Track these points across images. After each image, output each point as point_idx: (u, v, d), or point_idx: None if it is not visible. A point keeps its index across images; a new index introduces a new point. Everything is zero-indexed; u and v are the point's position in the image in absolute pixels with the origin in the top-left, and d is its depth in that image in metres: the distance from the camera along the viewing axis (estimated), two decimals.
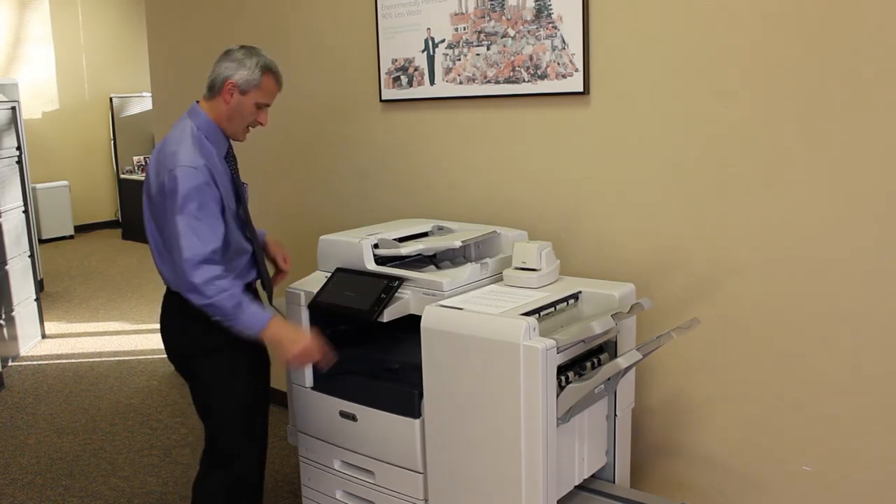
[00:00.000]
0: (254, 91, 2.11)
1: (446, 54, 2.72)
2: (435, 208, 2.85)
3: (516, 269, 2.15)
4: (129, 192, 8.46)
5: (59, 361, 4.64)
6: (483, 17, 2.59)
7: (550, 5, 2.41)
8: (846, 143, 1.98)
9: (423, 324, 1.93)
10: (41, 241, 7.64)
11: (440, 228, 2.51)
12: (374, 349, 2.25)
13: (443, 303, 1.97)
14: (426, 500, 2.06)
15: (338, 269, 2.25)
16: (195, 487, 2.28)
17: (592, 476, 2.10)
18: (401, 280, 2.10)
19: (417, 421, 2.01)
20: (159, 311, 2.26)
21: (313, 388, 2.27)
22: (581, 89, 2.39)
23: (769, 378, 2.19)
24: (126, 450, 3.39)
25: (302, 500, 2.44)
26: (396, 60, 2.88)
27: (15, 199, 4.84)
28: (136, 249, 7.84)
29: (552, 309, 1.99)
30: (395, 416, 2.07)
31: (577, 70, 2.39)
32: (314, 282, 2.26)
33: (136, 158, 8.61)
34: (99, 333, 5.20)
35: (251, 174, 2.67)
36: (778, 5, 2.03)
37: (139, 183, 7.36)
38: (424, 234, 2.47)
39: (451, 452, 1.93)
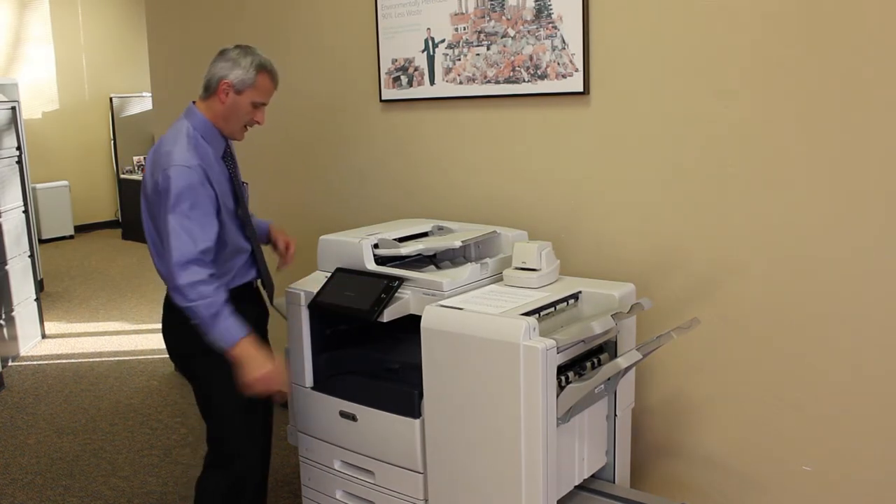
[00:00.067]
0: (249, 90, 2.11)
1: (446, 54, 2.72)
2: (435, 208, 2.85)
3: (516, 269, 2.15)
4: (129, 192, 8.46)
5: (59, 361, 4.64)
6: (483, 17, 2.59)
7: (550, 5, 2.41)
8: (846, 143, 1.98)
9: (423, 324, 1.93)
10: (41, 241, 7.64)
11: (440, 228, 2.51)
12: (374, 349, 2.25)
13: (443, 303, 1.97)
14: (426, 500, 2.06)
15: (338, 269, 2.25)
16: (196, 487, 2.29)
17: (592, 476, 2.10)
18: (401, 280, 2.10)
19: (417, 421, 2.01)
20: (160, 310, 2.26)
21: (313, 388, 2.27)
22: (581, 89, 2.39)
23: (769, 378, 2.19)
24: (126, 450, 3.39)
25: (302, 500, 2.43)
26: (396, 60, 2.88)
27: (15, 199, 4.84)
28: (136, 249, 7.84)
29: (552, 309, 1.99)
30: (395, 416, 2.07)
31: (577, 70, 2.39)
32: (314, 282, 2.26)
33: (136, 158, 8.61)
34: (99, 333, 5.19)
35: (251, 174, 2.66)
36: (778, 5, 2.03)
37: (139, 183, 7.33)
38: (424, 234, 2.47)
39: (451, 452, 1.93)
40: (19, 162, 4.97)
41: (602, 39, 2.34)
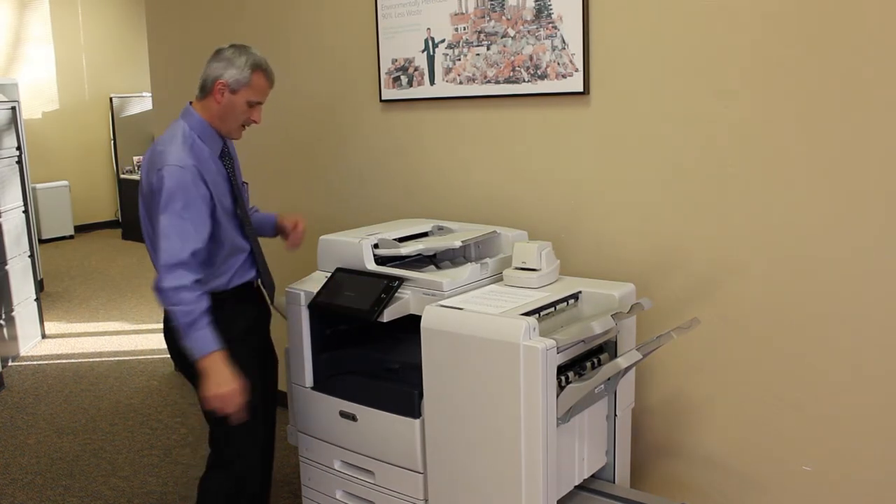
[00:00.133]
0: (244, 90, 2.11)
1: (446, 54, 2.72)
2: (435, 208, 2.85)
3: (516, 269, 2.15)
4: (129, 192, 8.46)
5: (59, 361, 4.64)
6: (483, 17, 2.59)
7: (550, 5, 2.41)
8: (846, 143, 1.98)
9: (423, 324, 1.93)
10: (41, 241, 7.64)
11: (440, 228, 2.51)
12: (374, 349, 2.25)
13: (443, 303, 1.97)
14: (426, 500, 2.06)
15: (338, 269, 2.25)
16: (199, 487, 2.29)
17: (592, 476, 2.10)
18: (401, 280, 2.10)
19: (417, 421, 2.01)
20: (160, 311, 2.26)
21: (313, 388, 2.27)
22: (581, 89, 2.39)
23: (769, 378, 2.19)
24: (126, 450, 3.39)
25: (302, 500, 2.44)
26: (396, 60, 2.88)
27: (15, 199, 4.84)
28: (136, 249, 7.84)
29: (552, 309, 1.99)
30: (395, 416, 2.07)
31: (577, 70, 2.39)
32: (314, 282, 2.26)
33: (135, 158, 8.60)
34: (99, 333, 5.20)
35: (251, 174, 2.67)
36: (778, 5, 2.03)
37: (139, 183, 7.35)
38: (424, 234, 2.47)
39: (451, 452, 1.93)
40: (19, 162, 4.97)
41: (602, 39, 2.34)
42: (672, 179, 2.28)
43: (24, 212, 4.96)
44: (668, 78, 2.24)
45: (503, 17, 2.54)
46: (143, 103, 8.68)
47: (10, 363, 4.54)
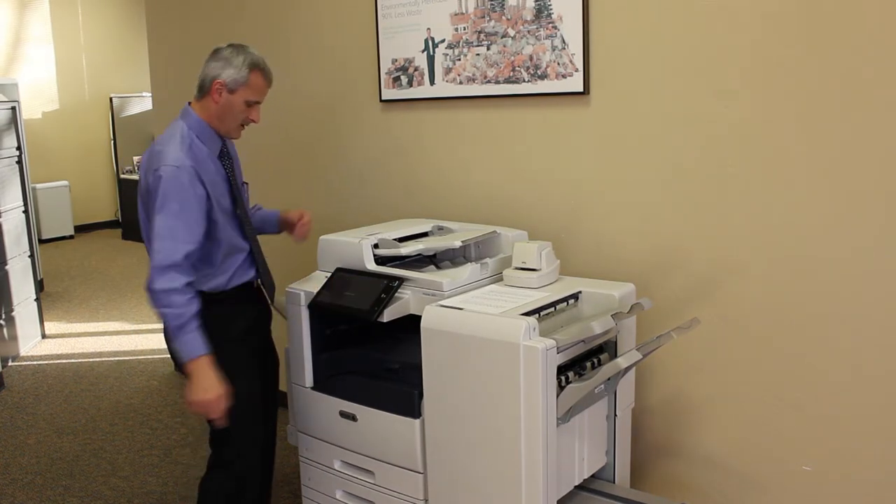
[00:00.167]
0: (242, 89, 2.11)
1: (446, 54, 2.72)
2: (435, 208, 2.85)
3: (516, 269, 2.15)
4: (129, 192, 8.46)
5: (59, 361, 4.64)
6: (483, 17, 2.59)
7: (550, 5, 2.41)
8: (846, 143, 1.98)
9: (423, 324, 1.93)
10: (41, 241, 7.64)
11: (440, 228, 2.51)
12: (374, 349, 2.25)
13: (443, 303, 1.97)
14: (426, 500, 2.06)
15: (338, 269, 2.25)
16: (200, 487, 2.29)
17: (592, 476, 2.10)
18: (401, 280, 2.10)
19: (417, 421, 2.01)
20: None
21: (313, 388, 2.27)
22: (581, 89, 2.39)
23: (769, 378, 2.19)
24: (126, 450, 3.39)
25: (302, 500, 2.44)
26: (396, 60, 2.88)
27: (15, 199, 4.84)
28: (136, 249, 7.84)
29: (552, 309, 1.99)
30: (395, 416, 2.07)
31: (577, 70, 2.39)
32: (314, 282, 2.26)
33: (135, 158, 8.60)
34: (99, 333, 5.20)
35: (251, 174, 2.66)
36: (778, 5, 2.03)
37: (138, 183, 7.35)
38: (424, 234, 2.47)
39: (451, 452, 1.93)
40: (19, 162, 4.97)
41: (602, 39, 2.34)
42: (672, 179, 2.28)
43: (24, 212, 4.96)
44: (668, 78, 2.24)
45: (503, 17, 2.54)
46: (143, 103, 8.68)
47: (10, 363, 4.55)
